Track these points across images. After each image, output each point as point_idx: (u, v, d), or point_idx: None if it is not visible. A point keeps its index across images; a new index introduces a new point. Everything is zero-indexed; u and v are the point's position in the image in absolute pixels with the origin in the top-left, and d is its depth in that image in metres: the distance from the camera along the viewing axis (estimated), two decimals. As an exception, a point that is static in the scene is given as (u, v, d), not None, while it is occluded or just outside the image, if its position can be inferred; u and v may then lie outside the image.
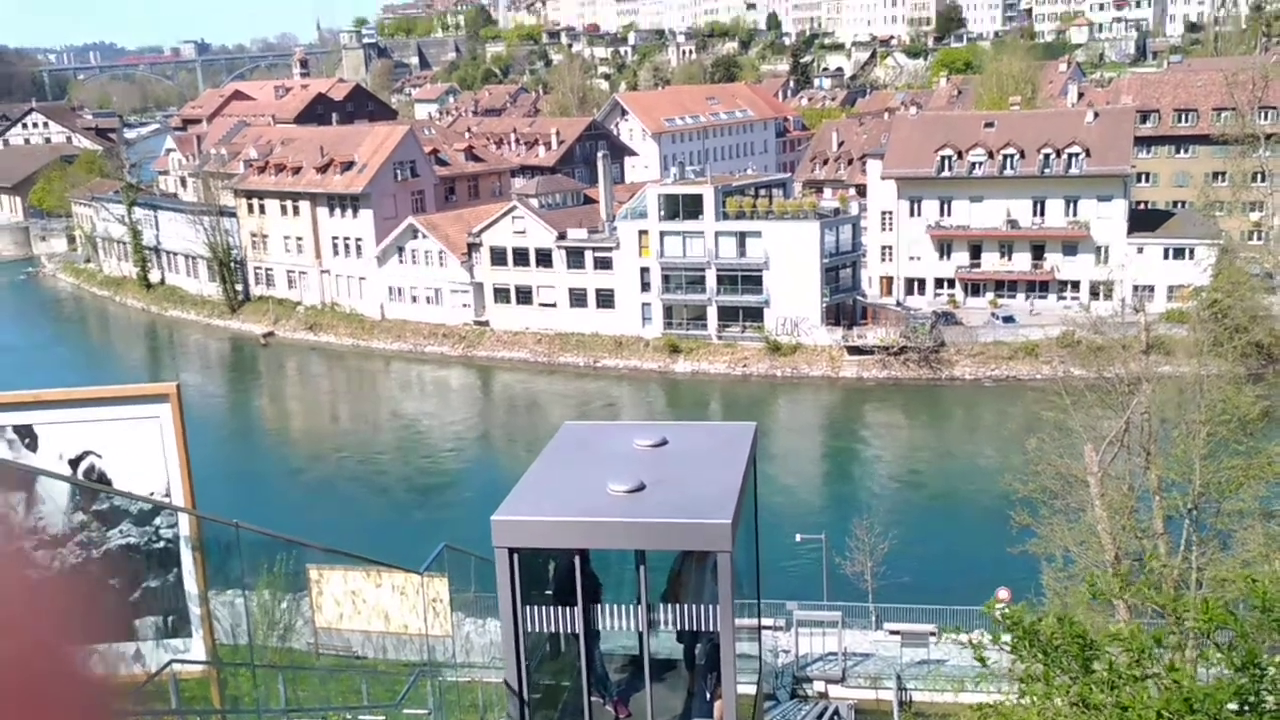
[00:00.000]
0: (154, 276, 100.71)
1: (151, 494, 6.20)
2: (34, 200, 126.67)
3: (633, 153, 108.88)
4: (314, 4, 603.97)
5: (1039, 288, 76.77)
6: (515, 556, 7.66)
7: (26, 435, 5.69)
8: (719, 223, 73.03)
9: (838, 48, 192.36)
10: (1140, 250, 73.59)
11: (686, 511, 7.58)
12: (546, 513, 7.79)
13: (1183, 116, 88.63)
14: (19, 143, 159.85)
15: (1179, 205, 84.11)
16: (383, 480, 59.59)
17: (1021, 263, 77.14)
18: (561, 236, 77.45)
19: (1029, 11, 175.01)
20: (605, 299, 77.20)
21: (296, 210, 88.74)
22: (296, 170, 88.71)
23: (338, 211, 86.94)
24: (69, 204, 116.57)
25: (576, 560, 7.71)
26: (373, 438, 68.75)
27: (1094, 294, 73.95)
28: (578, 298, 78.03)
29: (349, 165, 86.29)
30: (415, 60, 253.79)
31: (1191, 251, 72.17)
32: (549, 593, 8.05)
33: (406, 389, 78.97)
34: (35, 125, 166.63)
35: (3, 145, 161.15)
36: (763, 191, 76.31)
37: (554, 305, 78.75)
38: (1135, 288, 72.47)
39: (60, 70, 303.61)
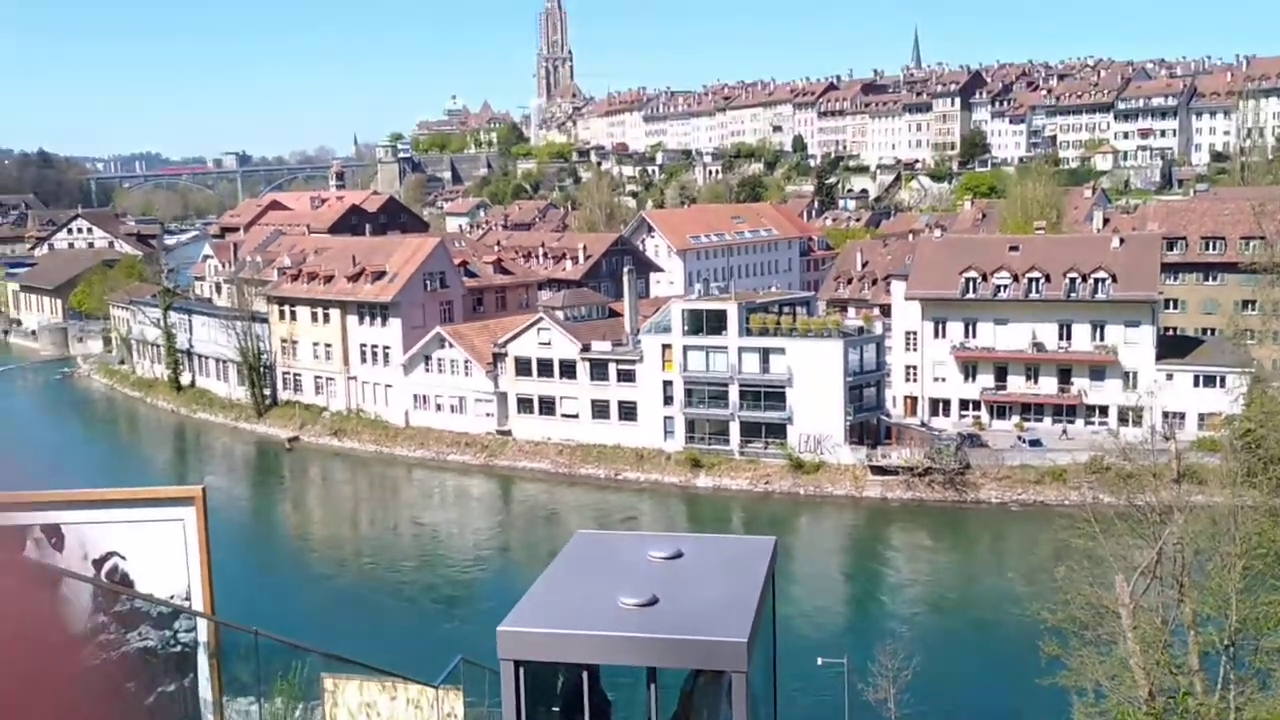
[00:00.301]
0: (185, 379, 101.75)
1: (172, 597, 6.17)
2: (74, 303, 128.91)
3: (658, 268, 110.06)
4: (352, 119, 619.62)
5: (1066, 412, 76.31)
6: (521, 670, 7.37)
7: (54, 535, 5.71)
8: (743, 339, 73.34)
9: (862, 170, 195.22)
10: (1169, 377, 73.20)
11: (700, 628, 7.26)
12: (555, 625, 7.47)
13: (1210, 244, 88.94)
14: (64, 247, 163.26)
15: (1208, 333, 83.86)
16: (402, 588, 59.07)
17: (1048, 386, 76.84)
18: (586, 349, 77.93)
19: (1053, 138, 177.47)
20: (628, 411, 77.27)
21: (327, 317, 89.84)
22: (329, 278, 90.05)
23: (367, 319, 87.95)
24: (107, 307, 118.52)
25: (585, 676, 7.42)
26: (393, 545, 68.37)
27: (1123, 419, 73.36)
28: (600, 409, 78.14)
29: (380, 275, 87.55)
30: (448, 175, 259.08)
31: (1222, 379, 71.66)
32: (556, 709, 7.70)
33: (428, 497, 78.78)
34: (80, 230, 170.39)
35: (48, 249, 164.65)
36: (786, 309, 76.78)
37: (576, 416, 78.85)
38: (1165, 414, 71.87)
39: (107, 178, 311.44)
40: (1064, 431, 74.23)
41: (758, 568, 8.34)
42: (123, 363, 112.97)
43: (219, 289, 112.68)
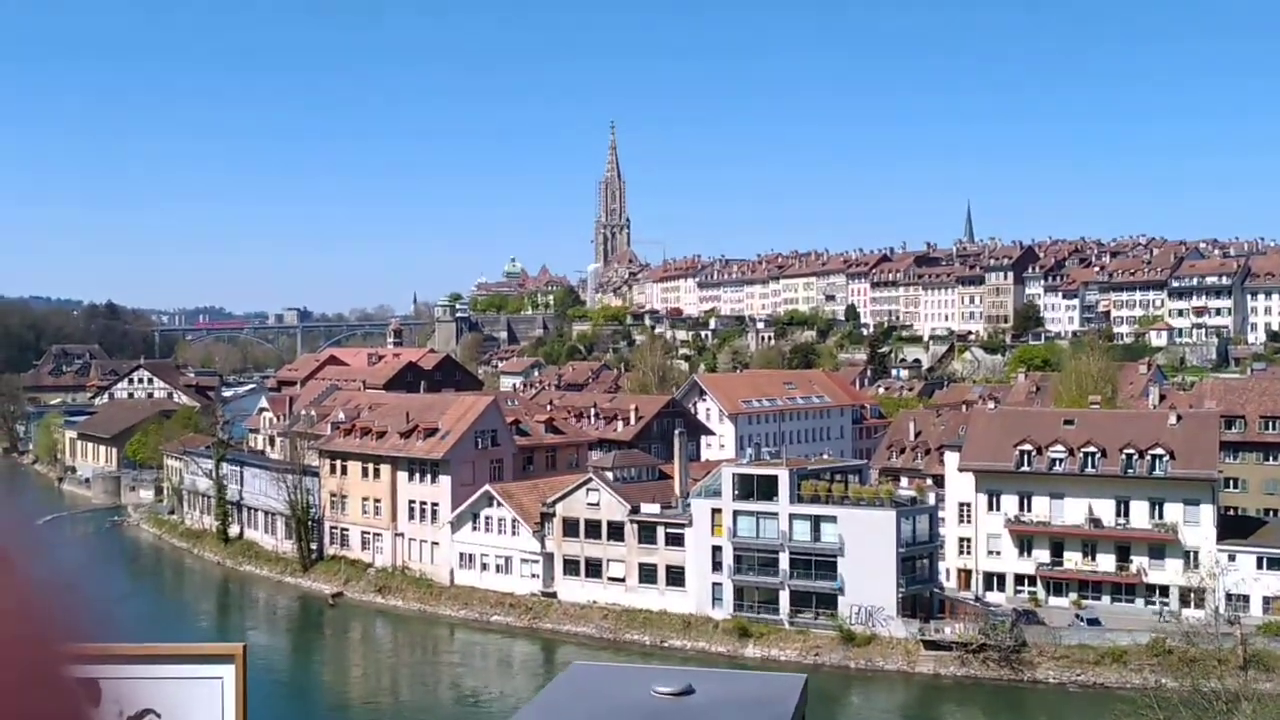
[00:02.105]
0: (233, 530, 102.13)
1: (205, 757, 6.03)
2: (129, 452, 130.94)
3: (710, 431, 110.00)
4: (412, 279, 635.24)
5: (1125, 590, 74.15)
6: None
7: (90, 689, 5.64)
8: (793, 505, 72.55)
9: (915, 340, 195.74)
10: (1231, 558, 71.08)
11: None
12: None
13: (1269, 424, 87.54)
14: (124, 397, 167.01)
15: (1271, 514, 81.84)
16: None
17: (1106, 563, 74.86)
18: (635, 510, 77.41)
19: (1106, 313, 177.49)
20: (675, 576, 76.15)
21: (378, 473, 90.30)
22: (381, 434, 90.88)
23: (417, 476, 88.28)
24: (161, 456, 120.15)
25: None
26: (432, 709, 66.95)
27: (1184, 600, 71.12)
28: (647, 573, 77.09)
29: (432, 431, 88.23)
30: (504, 334, 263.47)
31: (1286, 561, 69.64)
32: None
33: (469, 659, 77.42)
34: (141, 381, 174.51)
35: (109, 399, 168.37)
36: (838, 476, 76.08)
37: (623, 580, 77.81)
38: (1228, 596, 69.59)
39: (170, 330, 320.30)
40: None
41: (784, 709, 7.10)
42: (172, 512, 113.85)
43: (273, 442, 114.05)
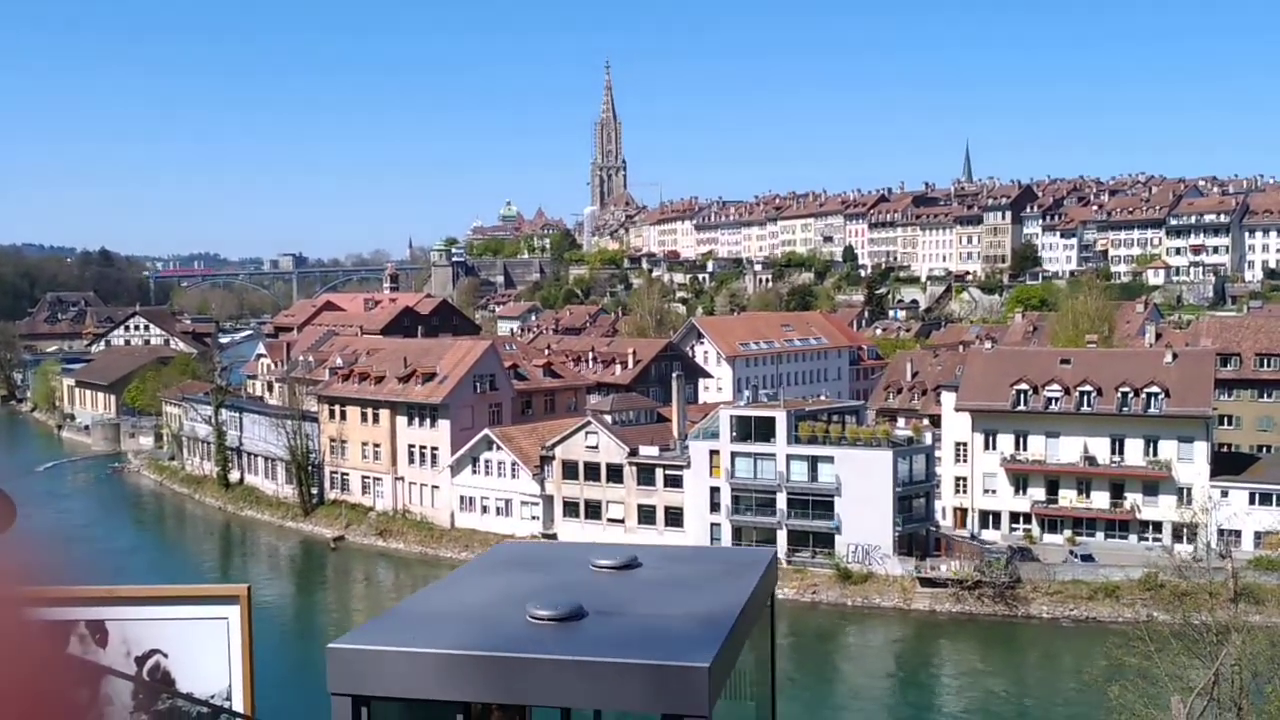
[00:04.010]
0: (233, 476, 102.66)
1: (212, 697, 6.19)
2: (128, 399, 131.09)
3: (707, 375, 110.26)
4: (407, 224, 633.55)
5: (1119, 527, 74.84)
6: (365, 712, 5.45)
7: (98, 631, 5.77)
8: (791, 446, 72.96)
9: (913, 281, 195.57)
10: (1224, 494, 71.70)
11: (639, 648, 5.09)
12: (416, 643, 5.39)
13: (1265, 361, 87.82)
14: (120, 344, 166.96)
15: (1264, 449, 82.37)
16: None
17: (1100, 501, 75.48)
18: (633, 453, 77.85)
19: (1104, 252, 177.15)
20: (674, 517, 76.78)
21: (376, 418, 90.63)
22: (380, 379, 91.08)
23: (416, 420, 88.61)
24: (160, 403, 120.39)
25: None
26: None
27: (1177, 536, 71.85)
28: (646, 515, 77.73)
29: (430, 376, 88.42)
30: (501, 279, 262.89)
31: (1278, 497, 70.20)
32: None
33: (470, 601, 78.10)
34: (137, 328, 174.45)
35: (105, 346, 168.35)
36: (835, 417, 76.41)
37: (622, 521, 78.44)
38: (1220, 532, 70.28)
39: (165, 277, 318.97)
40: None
41: (744, 582, 6.19)
42: (173, 459, 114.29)
43: (271, 388, 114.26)
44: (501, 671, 5.08)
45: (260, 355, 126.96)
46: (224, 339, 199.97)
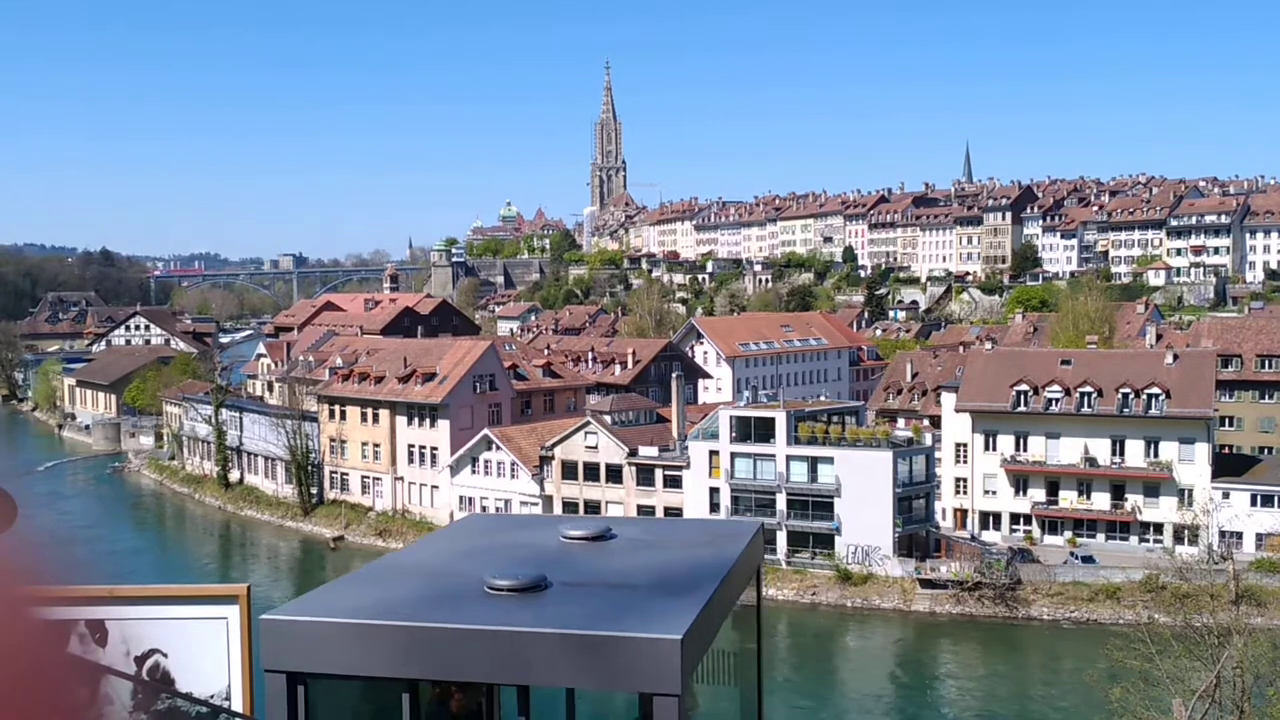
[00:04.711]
0: (233, 476, 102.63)
1: (211, 696, 6.15)
2: (128, 398, 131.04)
3: (707, 375, 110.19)
4: (407, 224, 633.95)
5: (1119, 528, 74.77)
6: (302, 691, 5.01)
7: (97, 630, 5.73)
8: (791, 447, 72.90)
9: (913, 281, 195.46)
10: (1226, 495, 71.63)
11: (605, 620, 4.61)
12: (360, 614, 4.88)
13: (1266, 362, 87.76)
14: (121, 344, 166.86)
15: (1265, 451, 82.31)
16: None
17: (1101, 502, 75.42)
18: (633, 453, 77.80)
19: (1104, 253, 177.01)
20: (673, 517, 76.63)
21: (376, 418, 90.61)
22: (379, 379, 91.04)
23: (416, 420, 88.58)
24: (160, 403, 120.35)
25: (405, 701, 4.82)
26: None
27: (1178, 538, 71.78)
28: (645, 515, 77.65)
29: (430, 376, 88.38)
30: (500, 279, 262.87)
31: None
32: None
33: (470, 601, 78.08)
34: (138, 328, 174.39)
35: (106, 346, 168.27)
36: (835, 418, 76.35)
37: (623, 523, 78.28)
38: (1221, 534, 70.21)
39: (166, 277, 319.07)
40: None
41: (725, 553, 5.71)
42: (173, 458, 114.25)
43: (271, 387, 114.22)
44: (451, 645, 4.57)
45: (260, 355, 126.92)
46: (224, 339, 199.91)
